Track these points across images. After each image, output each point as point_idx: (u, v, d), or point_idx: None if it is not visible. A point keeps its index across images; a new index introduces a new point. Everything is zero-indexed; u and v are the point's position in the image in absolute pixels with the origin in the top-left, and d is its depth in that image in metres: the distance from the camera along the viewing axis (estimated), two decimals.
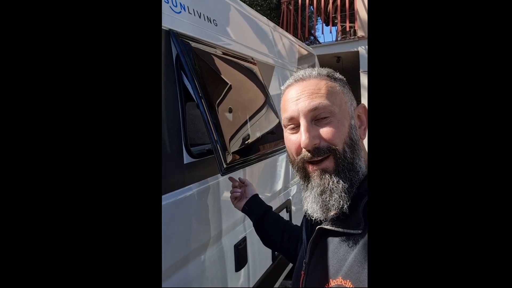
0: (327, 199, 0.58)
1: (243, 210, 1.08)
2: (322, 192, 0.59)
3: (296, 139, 0.62)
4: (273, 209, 1.75)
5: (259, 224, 1.01)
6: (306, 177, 0.63)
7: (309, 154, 0.60)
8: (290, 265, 2.10)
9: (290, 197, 2.00)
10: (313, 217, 0.62)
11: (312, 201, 0.61)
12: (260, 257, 1.59)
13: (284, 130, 0.66)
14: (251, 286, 1.47)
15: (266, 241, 1.02)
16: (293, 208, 2.02)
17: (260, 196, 1.60)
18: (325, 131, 0.59)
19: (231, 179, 1.16)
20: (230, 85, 1.27)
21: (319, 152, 0.59)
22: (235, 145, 1.17)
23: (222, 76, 1.25)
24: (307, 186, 0.63)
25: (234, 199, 1.11)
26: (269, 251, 1.69)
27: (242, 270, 1.38)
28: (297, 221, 2.11)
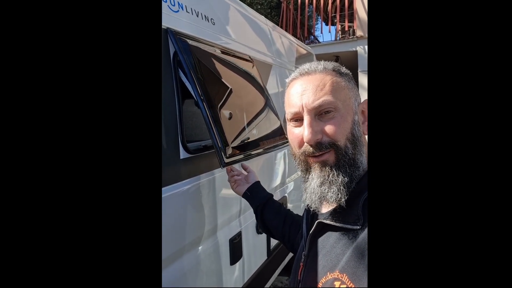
0: (326, 190, 0.59)
1: (244, 195, 1.09)
2: (322, 184, 0.60)
3: (299, 133, 0.63)
4: None
5: (261, 211, 1.02)
6: (307, 170, 0.64)
7: (311, 148, 0.61)
8: (286, 261, 2.13)
9: (286, 194, 2.03)
10: (311, 208, 0.63)
11: (311, 192, 0.61)
12: (255, 251, 1.62)
13: (288, 123, 0.67)
14: (246, 279, 1.50)
15: (266, 229, 1.03)
16: (289, 205, 2.04)
17: None
18: (328, 127, 0.60)
19: (228, 168, 1.16)
20: (228, 81, 1.30)
21: (321, 147, 0.60)
22: (234, 139, 1.20)
23: (220, 73, 1.27)
24: (307, 178, 0.64)
25: (234, 182, 1.12)
26: (264, 246, 1.72)
27: (237, 263, 1.41)
28: None
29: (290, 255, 2.21)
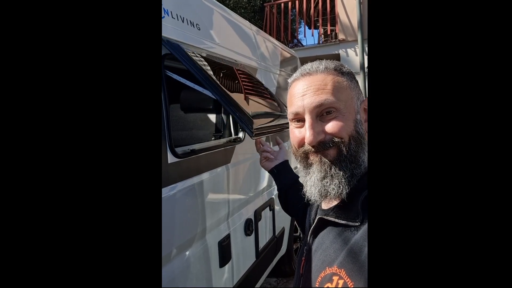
0: (328, 183, 0.60)
1: (270, 172, 1.09)
2: (323, 178, 0.60)
3: (300, 134, 0.63)
4: (257, 207, 1.81)
5: (285, 193, 1.04)
6: (308, 165, 0.65)
7: (312, 148, 0.61)
8: (274, 262, 2.15)
9: (273, 196, 2.06)
10: (310, 201, 0.64)
11: (311, 185, 0.62)
12: (244, 254, 1.63)
13: (290, 123, 0.67)
14: (235, 281, 1.52)
15: (288, 210, 1.05)
16: (276, 207, 2.07)
17: (243, 195, 1.66)
18: (330, 126, 0.60)
19: (257, 141, 1.18)
20: (227, 74, 1.36)
21: (324, 146, 0.61)
22: (254, 116, 1.25)
23: (216, 67, 1.33)
24: (308, 172, 0.64)
25: (264, 158, 1.13)
26: (253, 248, 1.74)
27: (226, 266, 1.42)
28: (280, 220, 2.16)
29: (278, 256, 2.24)
